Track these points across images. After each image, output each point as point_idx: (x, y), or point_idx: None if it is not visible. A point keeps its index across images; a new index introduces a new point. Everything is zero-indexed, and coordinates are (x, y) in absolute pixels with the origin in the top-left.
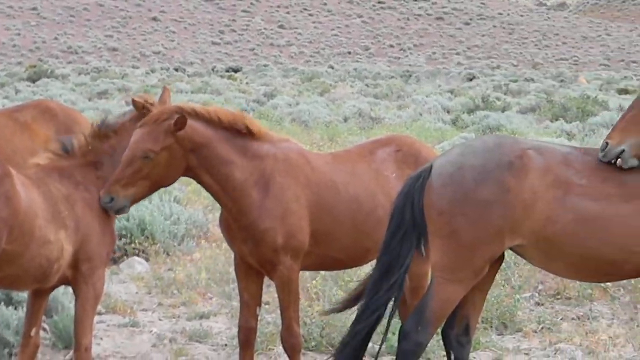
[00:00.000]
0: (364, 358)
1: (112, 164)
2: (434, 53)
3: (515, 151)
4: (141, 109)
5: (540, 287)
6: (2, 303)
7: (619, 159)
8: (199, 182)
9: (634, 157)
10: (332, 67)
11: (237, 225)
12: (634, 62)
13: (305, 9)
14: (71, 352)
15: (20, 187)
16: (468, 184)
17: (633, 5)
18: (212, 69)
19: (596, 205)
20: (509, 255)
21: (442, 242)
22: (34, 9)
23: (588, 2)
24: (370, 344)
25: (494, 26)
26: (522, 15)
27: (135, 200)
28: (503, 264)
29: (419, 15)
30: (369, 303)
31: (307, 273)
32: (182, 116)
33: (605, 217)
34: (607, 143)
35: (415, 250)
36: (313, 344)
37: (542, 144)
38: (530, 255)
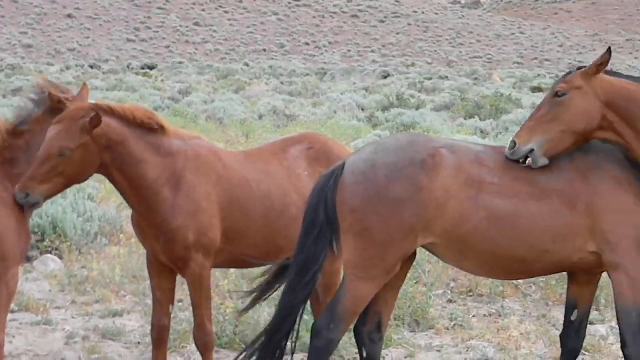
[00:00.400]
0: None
1: (28, 159)
2: (349, 51)
3: (428, 149)
4: (56, 103)
5: (452, 284)
6: None
7: (528, 159)
8: (110, 179)
9: (543, 157)
10: (247, 65)
11: (149, 223)
12: (547, 60)
13: (220, 7)
14: None
15: None
16: (381, 182)
17: (546, 4)
18: (128, 66)
19: (508, 203)
20: (421, 252)
21: (354, 240)
22: None
23: (502, 1)
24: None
25: (409, 24)
26: (436, 14)
27: (49, 196)
28: (415, 261)
29: (335, 13)
30: (287, 301)
31: (219, 271)
32: (98, 114)
33: (517, 216)
34: (515, 142)
35: (328, 247)
36: (226, 341)
37: (454, 143)
38: (442, 253)
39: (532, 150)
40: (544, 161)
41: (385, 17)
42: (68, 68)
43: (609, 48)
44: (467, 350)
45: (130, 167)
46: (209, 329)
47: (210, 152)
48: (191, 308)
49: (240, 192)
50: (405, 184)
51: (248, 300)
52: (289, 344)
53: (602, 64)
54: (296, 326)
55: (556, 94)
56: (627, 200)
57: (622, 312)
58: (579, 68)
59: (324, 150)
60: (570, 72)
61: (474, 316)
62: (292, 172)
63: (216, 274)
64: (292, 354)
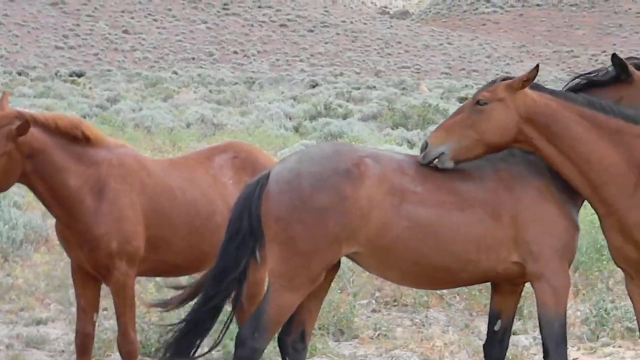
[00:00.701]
0: None
1: None
2: (278, 60)
3: (352, 159)
4: None
5: (377, 294)
6: None
7: (435, 160)
8: (31, 188)
9: (451, 160)
10: (176, 73)
11: (72, 231)
12: (474, 70)
13: (149, 14)
14: None
15: None
16: (305, 191)
17: (474, 15)
18: (56, 74)
19: (431, 212)
20: (346, 262)
21: (279, 249)
22: None
23: (430, 11)
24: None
25: (338, 34)
26: (365, 23)
27: None
28: (341, 271)
29: (263, 22)
30: (201, 307)
31: (144, 279)
32: (25, 122)
33: (440, 225)
34: (427, 143)
35: (252, 257)
36: (151, 350)
37: (379, 152)
38: (366, 263)
39: (442, 153)
40: (450, 164)
41: (314, 27)
42: None
43: (537, 65)
44: None
45: (51, 176)
46: (132, 337)
47: (135, 161)
48: (115, 316)
49: (165, 200)
50: (330, 193)
51: (167, 304)
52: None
53: (527, 80)
54: (220, 334)
55: (478, 102)
56: (550, 211)
57: (545, 322)
58: (505, 79)
59: (249, 159)
60: (495, 81)
61: (398, 326)
62: (218, 180)
63: (141, 282)
64: None
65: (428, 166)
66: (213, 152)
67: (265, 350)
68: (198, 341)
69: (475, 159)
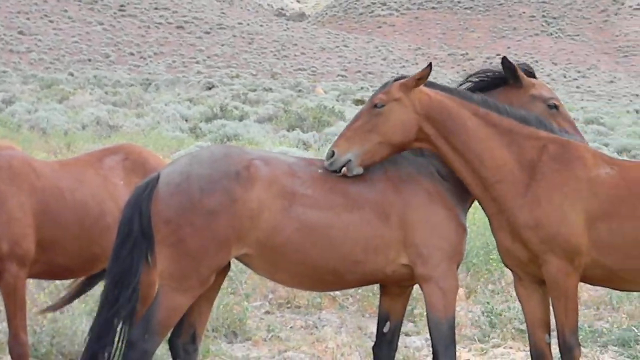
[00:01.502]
0: None
1: None
2: (174, 61)
3: (242, 161)
4: None
5: (270, 295)
6: None
7: (343, 168)
8: None
9: (359, 166)
10: (72, 74)
11: None
12: (370, 73)
13: (45, 15)
14: None
15: None
16: (195, 194)
17: (370, 18)
18: None
19: (320, 215)
20: (238, 263)
21: (169, 251)
22: None
23: (326, 14)
24: None
25: (234, 36)
26: (261, 25)
27: None
28: (234, 272)
29: (160, 23)
30: (107, 314)
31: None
32: None
33: (329, 227)
34: (333, 152)
35: (144, 259)
36: (43, 352)
37: (269, 154)
38: (256, 265)
39: (349, 161)
40: (358, 170)
41: (211, 29)
42: None
43: (430, 63)
44: None
45: None
46: (23, 339)
47: (23, 162)
48: (6, 319)
49: (54, 202)
50: (220, 195)
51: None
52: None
53: (421, 78)
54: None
55: (375, 105)
56: (439, 213)
57: (434, 323)
58: (397, 79)
59: (139, 161)
60: (387, 83)
61: (291, 327)
62: (108, 181)
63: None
64: None
65: (336, 174)
66: (104, 153)
67: (157, 352)
68: (104, 347)
69: (383, 160)
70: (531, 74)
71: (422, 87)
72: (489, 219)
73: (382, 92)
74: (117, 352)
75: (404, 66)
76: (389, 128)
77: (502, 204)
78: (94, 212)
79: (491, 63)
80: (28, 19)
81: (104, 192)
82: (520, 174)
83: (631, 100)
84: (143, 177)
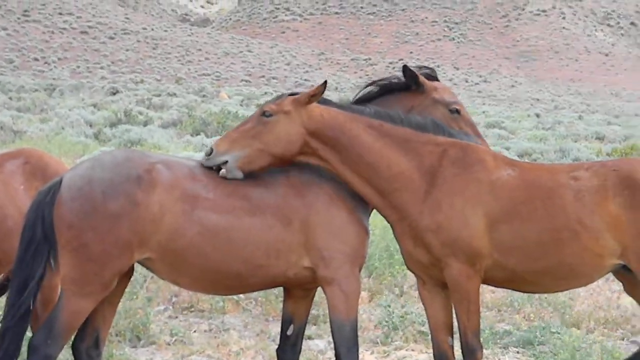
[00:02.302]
0: None
1: None
2: (79, 67)
3: (144, 165)
4: None
5: (174, 299)
6: None
7: (222, 170)
8: None
9: (238, 169)
10: None
11: None
12: (274, 78)
13: None
14: None
15: None
16: (97, 198)
17: (274, 23)
18: None
19: (222, 218)
20: (142, 268)
21: (71, 256)
22: None
23: (230, 19)
24: None
25: (138, 41)
26: (165, 31)
27: None
28: (138, 276)
29: (64, 29)
30: (12, 319)
31: None
32: None
33: (231, 230)
34: (212, 149)
35: (47, 263)
36: None
37: (170, 159)
38: (158, 269)
39: (226, 162)
40: (237, 174)
41: (115, 34)
42: None
43: (325, 81)
44: None
45: None
46: None
47: None
48: None
49: None
50: (122, 199)
51: None
52: None
53: (314, 95)
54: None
55: (264, 113)
56: (341, 217)
57: (336, 326)
58: (292, 94)
59: (39, 165)
60: (282, 95)
61: (194, 331)
62: (9, 186)
63: None
64: None
65: (219, 175)
66: (3, 158)
67: (60, 357)
68: (13, 353)
69: (262, 170)
70: (434, 78)
71: (314, 104)
72: (391, 225)
73: (274, 103)
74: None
75: (307, 71)
76: (272, 138)
77: (403, 210)
78: None
79: (394, 68)
80: None
81: (4, 197)
82: (420, 180)
83: (532, 105)
84: (44, 182)
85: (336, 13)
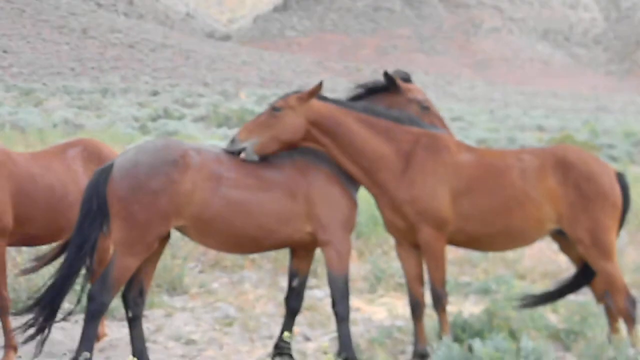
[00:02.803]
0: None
1: None
2: (127, 74)
3: (178, 151)
4: None
5: (202, 258)
6: None
7: (242, 154)
8: None
9: (254, 153)
10: (45, 85)
11: None
12: (282, 82)
13: (24, 38)
14: None
15: None
16: (141, 177)
17: (282, 38)
18: None
19: (241, 193)
20: (176, 232)
21: (121, 223)
22: None
23: (247, 35)
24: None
25: (174, 53)
26: (196, 45)
27: None
28: (172, 239)
29: (115, 44)
30: (65, 271)
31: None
32: None
33: (249, 203)
34: (234, 138)
35: (100, 230)
36: (20, 306)
37: (200, 146)
38: (190, 234)
39: (245, 148)
40: (254, 157)
41: (155, 48)
42: None
43: (321, 81)
44: (214, 311)
45: None
46: (4, 295)
47: (3, 154)
48: None
49: (27, 184)
50: (161, 178)
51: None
52: (69, 307)
53: (313, 93)
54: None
55: (274, 108)
56: (336, 192)
57: (332, 279)
58: (296, 92)
59: (95, 151)
60: (288, 94)
61: (219, 283)
62: (71, 168)
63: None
64: (69, 314)
65: (239, 157)
66: (66, 146)
67: (112, 304)
68: (61, 297)
69: (273, 154)
70: (408, 81)
71: (314, 100)
72: (374, 198)
73: (282, 100)
74: (79, 305)
75: (308, 76)
76: (281, 128)
77: (384, 186)
78: (59, 193)
79: (377, 73)
80: (10, 40)
81: (67, 177)
82: (398, 162)
83: (487, 103)
84: (98, 165)
85: (331, 30)
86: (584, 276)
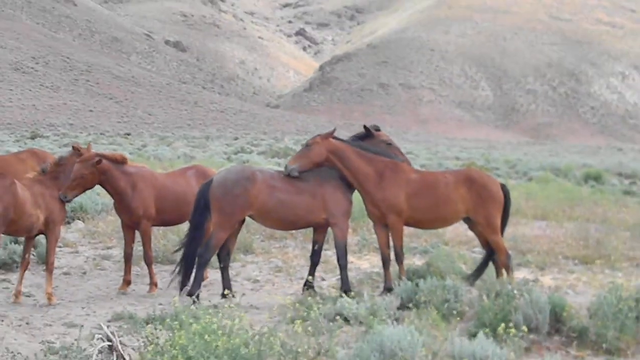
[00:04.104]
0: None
1: (65, 177)
2: (218, 129)
3: (250, 172)
4: (77, 151)
5: (263, 233)
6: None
7: (292, 172)
8: (104, 188)
9: (297, 172)
10: (173, 134)
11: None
12: (308, 131)
13: (160, 107)
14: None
15: (19, 188)
16: (228, 187)
17: (308, 107)
18: None
19: (286, 196)
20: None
21: (217, 214)
22: None
23: (288, 105)
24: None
25: (247, 115)
26: (259, 110)
27: (75, 196)
28: (247, 222)
29: (213, 110)
30: (190, 246)
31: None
32: (100, 158)
33: (289, 202)
34: (286, 165)
35: (207, 218)
36: (160, 260)
37: (262, 169)
38: (256, 219)
39: (293, 169)
40: (296, 174)
41: (236, 112)
42: None
43: (334, 128)
44: (269, 263)
45: (111, 181)
46: (149, 253)
47: (150, 173)
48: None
49: (163, 191)
50: (240, 188)
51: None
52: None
53: (330, 134)
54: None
55: (307, 145)
56: (340, 194)
57: (337, 244)
58: (319, 134)
59: (202, 172)
60: (315, 135)
61: (272, 247)
62: (188, 182)
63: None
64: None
65: (287, 175)
66: (186, 169)
67: (212, 259)
68: (192, 255)
69: (307, 171)
70: (378, 129)
71: (331, 139)
72: (362, 198)
73: (311, 139)
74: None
75: (323, 129)
76: (311, 156)
77: (368, 191)
78: (181, 196)
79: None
80: (153, 108)
81: (188, 187)
82: (376, 177)
83: (426, 145)
84: (204, 180)
85: (336, 102)
86: (489, 255)
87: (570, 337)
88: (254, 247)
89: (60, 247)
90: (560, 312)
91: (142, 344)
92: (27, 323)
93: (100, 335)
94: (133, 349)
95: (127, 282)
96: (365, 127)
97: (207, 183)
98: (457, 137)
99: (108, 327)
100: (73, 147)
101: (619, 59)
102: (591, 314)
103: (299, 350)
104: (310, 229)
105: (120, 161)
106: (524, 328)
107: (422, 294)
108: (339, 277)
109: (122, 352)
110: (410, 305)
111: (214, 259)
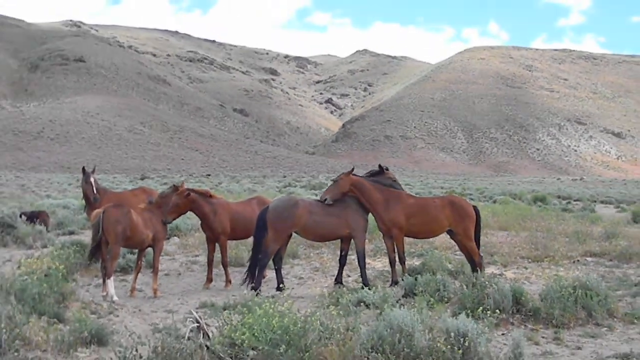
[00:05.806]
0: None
1: (166, 207)
2: (272, 169)
3: (295, 200)
4: (175, 188)
5: (305, 243)
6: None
7: (326, 201)
8: (194, 213)
9: (330, 200)
10: (248, 176)
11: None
12: (336, 171)
13: (232, 156)
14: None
15: (134, 215)
16: (280, 212)
17: (335, 154)
18: None
19: (321, 218)
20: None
21: (271, 231)
22: None
23: (321, 152)
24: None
25: (291, 161)
26: (300, 157)
27: (173, 219)
28: (294, 237)
29: (267, 157)
30: (255, 254)
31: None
32: (189, 192)
33: (323, 222)
34: (323, 197)
35: (265, 235)
36: (233, 264)
37: (304, 198)
38: (300, 234)
39: (326, 199)
40: (330, 202)
41: (284, 159)
42: None
43: (353, 167)
44: (310, 265)
45: (200, 209)
46: (226, 261)
47: (225, 203)
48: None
49: (235, 215)
50: (288, 212)
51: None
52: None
53: (351, 171)
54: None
55: (335, 180)
56: (359, 215)
57: (358, 251)
58: (343, 172)
59: (263, 201)
60: (342, 173)
61: (312, 253)
62: (252, 209)
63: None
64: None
65: (323, 203)
66: (251, 199)
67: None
68: (255, 263)
69: (337, 199)
70: (387, 169)
71: (352, 175)
72: (375, 218)
73: (338, 176)
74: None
75: (346, 168)
76: (339, 188)
77: (379, 213)
78: (249, 219)
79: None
80: (238, 155)
81: (252, 213)
82: (384, 203)
83: (419, 178)
84: (263, 206)
85: (355, 150)
86: (469, 260)
87: (528, 315)
88: (299, 254)
89: (162, 256)
90: (520, 297)
91: (221, 324)
92: (139, 310)
93: (191, 319)
94: (215, 328)
95: (209, 280)
96: (379, 165)
97: (264, 209)
98: (441, 172)
99: (197, 312)
100: (174, 185)
101: (556, 114)
102: (542, 298)
103: (333, 327)
104: (338, 241)
105: (205, 194)
106: (495, 310)
107: (419, 286)
108: (360, 274)
109: (207, 330)
110: (411, 294)
111: (271, 263)
